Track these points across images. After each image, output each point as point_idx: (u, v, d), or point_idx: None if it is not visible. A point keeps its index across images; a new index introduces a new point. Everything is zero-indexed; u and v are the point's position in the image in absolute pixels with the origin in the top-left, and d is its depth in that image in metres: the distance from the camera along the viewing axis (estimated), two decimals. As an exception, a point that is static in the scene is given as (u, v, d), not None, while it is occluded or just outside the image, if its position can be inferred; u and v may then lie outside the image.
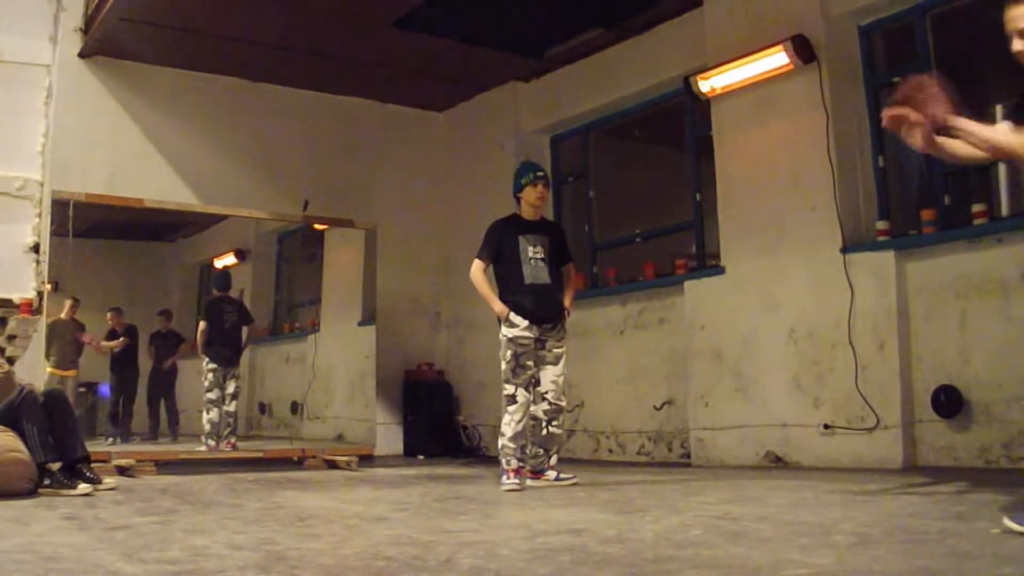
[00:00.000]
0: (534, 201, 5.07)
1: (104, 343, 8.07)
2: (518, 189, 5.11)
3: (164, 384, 8.44)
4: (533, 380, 4.92)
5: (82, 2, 6.96)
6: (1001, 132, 2.78)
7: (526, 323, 4.86)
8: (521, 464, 4.87)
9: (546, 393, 4.94)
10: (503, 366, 4.88)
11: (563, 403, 5.02)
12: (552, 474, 4.99)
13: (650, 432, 6.73)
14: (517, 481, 4.76)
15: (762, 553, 2.57)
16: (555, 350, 4.97)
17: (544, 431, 4.97)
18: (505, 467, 4.81)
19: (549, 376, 4.95)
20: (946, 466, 4.95)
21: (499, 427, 4.96)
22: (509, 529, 3.27)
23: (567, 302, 5.09)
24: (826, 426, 5.45)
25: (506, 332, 4.88)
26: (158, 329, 8.42)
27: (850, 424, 5.34)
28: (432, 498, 4.48)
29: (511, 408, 4.83)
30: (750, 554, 2.55)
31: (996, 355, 4.84)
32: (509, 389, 4.85)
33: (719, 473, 5.47)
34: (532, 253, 4.97)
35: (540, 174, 5.12)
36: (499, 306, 4.89)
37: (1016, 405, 4.72)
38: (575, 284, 5.30)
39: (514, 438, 4.81)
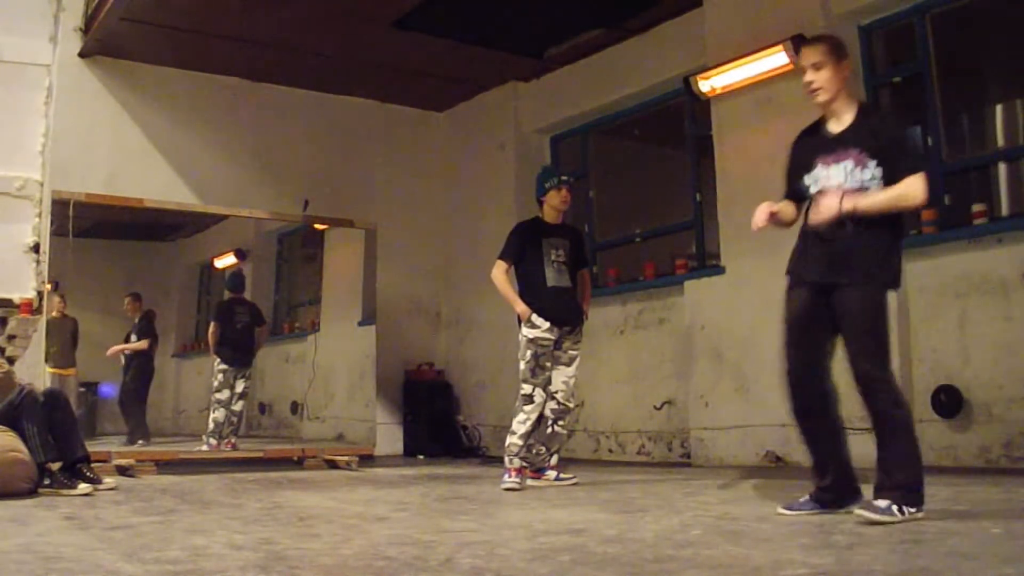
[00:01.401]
0: (558, 205, 5.10)
1: (129, 346, 8.02)
2: (542, 193, 5.14)
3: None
4: (548, 381, 4.96)
5: (82, 2, 6.96)
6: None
7: (547, 324, 4.89)
8: (524, 464, 4.88)
9: (556, 393, 4.99)
10: (522, 366, 4.91)
11: (572, 404, 5.08)
12: (552, 474, 5.01)
13: (650, 432, 6.73)
14: (518, 480, 4.77)
15: (762, 553, 2.57)
16: (570, 352, 5.02)
17: (549, 430, 5.01)
18: (508, 466, 4.82)
19: (561, 376, 4.99)
20: (946, 466, 4.94)
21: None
22: (509, 529, 3.27)
23: (584, 306, 5.16)
24: (826, 426, 5.44)
25: (527, 333, 4.90)
26: None
27: (850, 424, 5.32)
28: (432, 498, 4.48)
29: (527, 408, 4.86)
30: (750, 554, 2.56)
31: (996, 355, 4.84)
32: (527, 389, 4.88)
33: (719, 473, 5.47)
34: (555, 256, 5.01)
35: (565, 178, 5.16)
36: (521, 306, 4.92)
37: (1016, 405, 4.72)
38: (589, 289, 5.36)
39: (524, 436, 4.84)
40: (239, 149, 7.60)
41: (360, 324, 8.14)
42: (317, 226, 8.33)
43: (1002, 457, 4.77)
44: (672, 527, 3.12)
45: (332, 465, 6.59)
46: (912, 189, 3.13)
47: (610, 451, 7.00)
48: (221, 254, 8.90)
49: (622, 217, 7.73)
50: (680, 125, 7.01)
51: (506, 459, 4.84)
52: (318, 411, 8.30)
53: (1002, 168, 5.34)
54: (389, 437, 7.94)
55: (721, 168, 6.24)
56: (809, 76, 3.35)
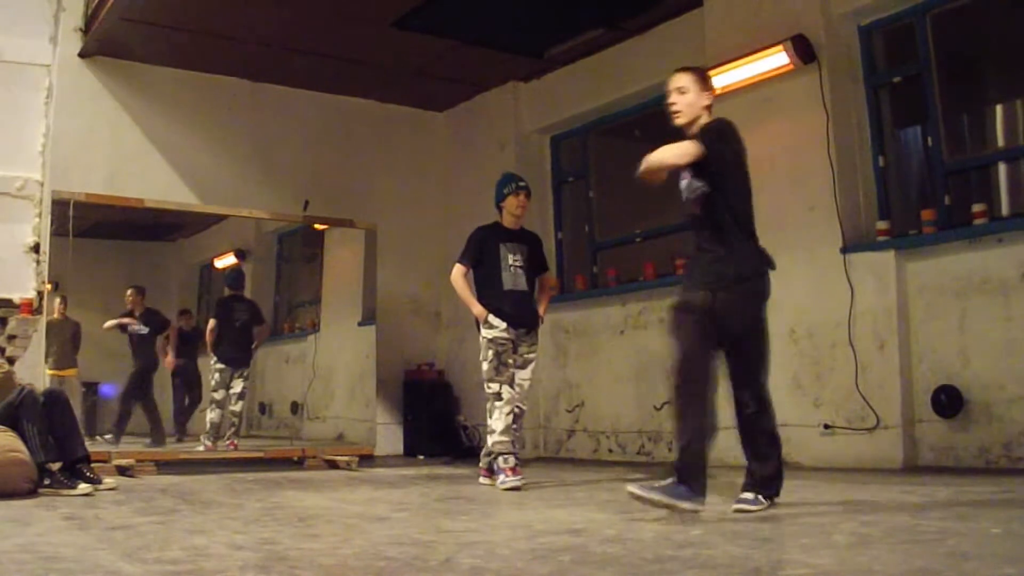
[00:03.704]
0: (515, 210, 5.21)
1: (127, 320, 7.89)
2: (500, 199, 5.26)
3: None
4: (513, 378, 5.05)
5: (82, 2, 6.96)
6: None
7: (504, 324, 5.00)
8: (517, 461, 4.91)
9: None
10: (485, 366, 5.02)
11: (526, 407, 5.18)
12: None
13: (650, 432, 6.73)
14: (517, 479, 4.78)
15: (762, 553, 2.57)
16: (527, 355, 5.12)
17: None
18: (503, 465, 4.84)
19: (516, 379, 5.08)
20: (946, 466, 4.95)
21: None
22: (509, 529, 3.28)
23: (540, 310, 5.26)
24: (826, 426, 5.45)
25: (486, 333, 5.02)
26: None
27: (850, 424, 5.34)
28: (432, 498, 4.49)
29: (498, 404, 4.97)
30: (750, 554, 2.55)
31: (996, 355, 4.84)
32: (494, 387, 4.99)
33: (719, 473, 5.46)
34: (512, 261, 5.12)
35: (522, 184, 5.27)
36: (478, 308, 5.05)
37: (1016, 405, 4.72)
38: (549, 292, 5.47)
39: (505, 431, 4.91)
40: (239, 149, 7.60)
41: (360, 324, 8.13)
42: (317, 226, 8.33)
43: (1002, 457, 4.77)
44: (672, 527, 3.12)
45: (332, 465, 6.59)
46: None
47: (610, 451, 7.00)
48: (221, 254, 8.89)
49: (622, 217, 7.72)
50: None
51: (499, 459, 4.87)
52: (318, 411, 8.30)
53: (1002, 168, 5.34)
54: (389, 437, 7.94)
55: (721, 168, 6.23)
56: (673, 98, 3.74)
